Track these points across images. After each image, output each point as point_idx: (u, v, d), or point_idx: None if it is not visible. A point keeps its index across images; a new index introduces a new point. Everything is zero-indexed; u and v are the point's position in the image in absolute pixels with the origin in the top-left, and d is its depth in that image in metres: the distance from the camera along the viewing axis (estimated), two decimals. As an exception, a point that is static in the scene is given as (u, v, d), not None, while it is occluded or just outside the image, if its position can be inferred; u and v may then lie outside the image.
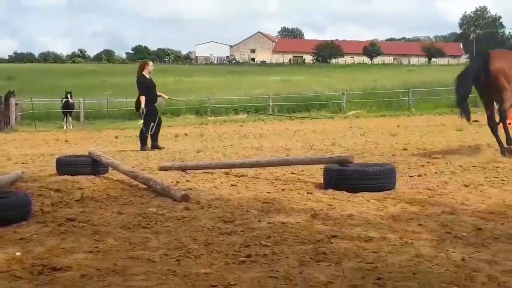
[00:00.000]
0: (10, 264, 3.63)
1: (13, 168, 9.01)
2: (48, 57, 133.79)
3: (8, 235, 4.43)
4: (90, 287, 3.17)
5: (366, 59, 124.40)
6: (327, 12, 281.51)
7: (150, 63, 13.86)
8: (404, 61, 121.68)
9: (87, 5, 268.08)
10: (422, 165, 8.50)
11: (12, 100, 26.89)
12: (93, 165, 8.17)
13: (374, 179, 6.29)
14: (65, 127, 27.77)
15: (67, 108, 28.77)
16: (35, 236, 4.41)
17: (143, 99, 12.94)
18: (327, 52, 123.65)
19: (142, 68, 13.35)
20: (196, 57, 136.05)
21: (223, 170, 8.26)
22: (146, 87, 13.00)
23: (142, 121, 12.93)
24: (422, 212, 5.16)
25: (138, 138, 13.26)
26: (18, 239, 4.31)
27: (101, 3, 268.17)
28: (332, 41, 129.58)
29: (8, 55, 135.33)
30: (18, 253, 3.90)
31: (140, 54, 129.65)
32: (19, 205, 4.94)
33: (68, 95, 28.70)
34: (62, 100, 29.69)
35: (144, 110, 12.77)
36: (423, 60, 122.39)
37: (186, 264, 3.61)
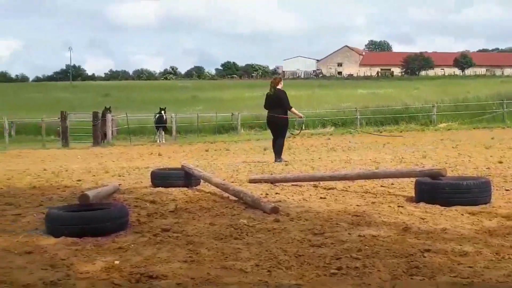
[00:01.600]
0: (109, 272, 3.77)
1: (110, 180, 9.34)
2: (141, 75, 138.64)
3: (107, 244, 4.59)
4: (186, 295, 3.24)
5: (457, 71, 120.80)
6: (415, 24, 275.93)
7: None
8: (498, 72, 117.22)
9: (177, 25, 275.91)
10: (519, 179, 8.16)
11: (109, 116, 28.03)
12: (186, 178, 8.36)
13: (468, 192, 6.09)
14: (158, 141, 28.60)
15: (161, 123, 29.65)
16: (132, 245, 4.54)
17: (295, 110, 13.69)
18: (416, 64, 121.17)
19: (277, 83, 13.69)
20: (283, 71, 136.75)
21: (312, 182, 8.25)
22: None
23: (298, 131, 13.51)
24: (520, 227, 4.94)
25: (274, 150, 13.49)
26: (117, 248, 4.45)
27: (191, 22, 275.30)
28: (421, 53, 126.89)
29: (105, 73, 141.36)
30: (116, 262, 4.02)
31: (229, 70, 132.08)
32: (118, 216, 5.11)
33: (162, 111, 29.60)
34: (155, 116, 30.64)
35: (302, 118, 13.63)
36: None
37: (278, 275, 3.63)
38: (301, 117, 14.34)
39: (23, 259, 4.16)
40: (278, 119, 13.36)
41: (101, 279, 3.62)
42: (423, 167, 9.67)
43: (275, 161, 12.97)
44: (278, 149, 13.38)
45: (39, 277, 3.67)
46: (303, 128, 13.48)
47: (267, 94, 13.66)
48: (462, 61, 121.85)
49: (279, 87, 13.52)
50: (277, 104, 13.39)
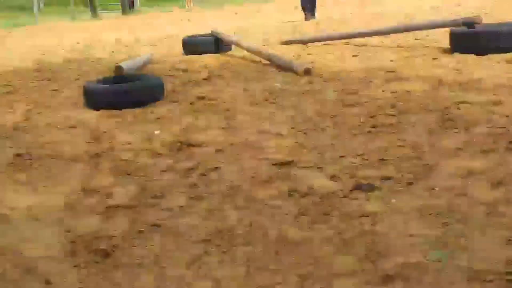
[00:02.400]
0: (151, 142, 3.89)
1: (143, 50, 9.35)
2: None
3: (146, 114, 4.69)
4: (225, 161, 3.35)
5: None
6: None
7: None
8: None
9: None
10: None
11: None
12: (217, 44, 8.30)
13: (507, 39, 5.91)
14: (186, 6, 28.11)
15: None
16: (170, 115, 4.63)
17: None
18: None
19: None
20: None
21: (344, 41, 8.12)
22: None
23: None
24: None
25: (306, 7, 13.16)
26: (156, 119, 4.55)
27: None
28: None
29: None
30: (157, 132, 4.14)
31: None
32: (153, 86, 5.18)
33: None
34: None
35: None
36: None
37: (313, 136, 3.70)
38: None
39: (67, 133, 4.31)
40: None
41: (144, 149, 3.75)
42: (458, 15, 9.38)
43: (307, 19, 12.72)
44: (311, 4, 13.01)
45: (85, 149, 3.82)
46: None
47: None
48: None
49: None
50: None
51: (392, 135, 3.57)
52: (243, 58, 7.53)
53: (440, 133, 3.51)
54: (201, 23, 15.45)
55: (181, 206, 2.72)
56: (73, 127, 4.49)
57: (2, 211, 2.80)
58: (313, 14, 12.90)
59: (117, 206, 2.79)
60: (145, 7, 28.89)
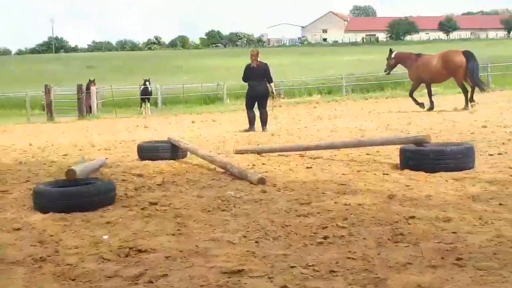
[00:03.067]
0: (98, 247, 3.81)
1: (97, 155, 9.34)
2: (125, 45, 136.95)
3: (95, 219, 4.63)
4: (174, 268, 3.29)
5: (442, 35, 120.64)
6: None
7: None
8: (482, 35, 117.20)
9: None
10: (503, 143, 8.25)
11: (93, 89, 27.84)
12: (172, 150, 8.38)
13: (452, 158, 6.16)
14: (143, 113, 28.46)
15: (146, 95, 29.48)
16: (120, 219, 4.58)
17: (272, 85, 14.35)
18: (401, 29, 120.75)
19: (258, 55, 13.94)
20: (268, 39, 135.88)
21: (298, 153, 8.30)
22: None
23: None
24: (503, 192, 5.03)
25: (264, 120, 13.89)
26: (105, 223, 4.49)
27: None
28: (406, 17, 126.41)
29: (88, 44, 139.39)
30: (105, 236, 4.07)
31: (213, 39, 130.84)
32: (105, 191, 5.14)
33: (147, 82, 29.40)
34: (140, 87, 30.43)
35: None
36: (502, 33, 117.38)
37: (265, 246, 3.68)
38: (273, 93, 14.50)
39: (12, 236, 4.18)
40: (266, 90, 13.82)
41: (90, 254, 3.66)
42: (408, 134, 9.75)
43: (248, 130, 13.52)
44: (265, 118, 13.76)
45: (29, 253, 3.71)
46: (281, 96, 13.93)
47: (249, 67, 13.81)
48: (447, 24, 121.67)
49: (258, 58, 13.81)
50: (262, 76, 13.76)
51: (343, 247, 3.58)
52: (198, 165, 7.59)
53: (390, 247, 3.54)
54: (158, 130, 15.62)
55: (126, 314, 2.63)
56: (19, 229, 4.38)
57: None
58: (264, 127, 13.58)
59: (58, 313, 2.67)
60: (103, 113, 29.11)
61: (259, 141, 10.77)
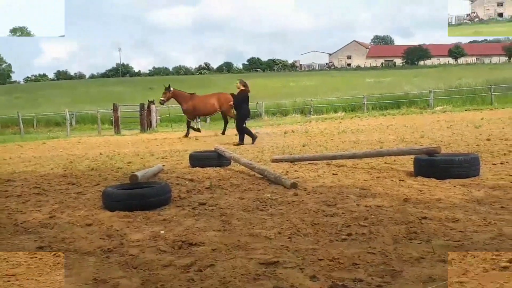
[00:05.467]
0: (156, 241, 3.85)
1: (155, 162, 9.45)
2: (180, 70, 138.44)
3: (153, 217, 4.68)
4: (219, 259, 3.30)
5: (451, 60, 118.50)
6: (414, 19, 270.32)
7: None
8: (486, 60, 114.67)
9: (209, 25, 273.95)
10: (504, 154, 8.04)
11: (153, 107, 28.21)
12: (219, 159, 8.42)
13: (460, 167, 6.04)
14: (195, 127, 28.61)
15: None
16: (175, 217, 4.63)
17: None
18: (415, 55, 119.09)
19: (239, 85, 14.36)
20: (300, 65, 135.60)
21: (325, 161, 8.25)
22: None
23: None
24: (505, 196, 4.90)
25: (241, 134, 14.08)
26: (162, 220, 4.54)
27: (220, 23, 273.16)
28: (420, 45, 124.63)
29: (149, 70, 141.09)
30: (162, 231, 4.11)
31: (254, 65, 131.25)
32: (162, 193, 5.20)
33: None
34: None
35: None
36: (504, 59, 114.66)
37: (297, 241, 3.67)
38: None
39: (84, 230, 4.26)
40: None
41: (150, 246, 3.70)
42: (421, 145, 9.59)
43: (237, 143, 13.70)
44: (242, 133, 14.07)
45: (98, 245, 3.77)
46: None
47: (248, 94, 14.19)
48: (455, 51, 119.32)
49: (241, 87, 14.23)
50: (247, 100, 14.22)
51: (364, 243, 3.54)
52: (240, 171, 7.60)
53: (405, 243, 3.49)
54: (207, 142, 15.70)
55: (179, 298, 2.64)
56: (90, 225, 4.47)
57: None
58: (241, 141, 13.67)
59: (122, 295, 2.70)
60: (161, 127, 29.47)
61: (292, 151, 10.74)
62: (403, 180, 6.12)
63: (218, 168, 8.09)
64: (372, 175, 6.68)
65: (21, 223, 4.59)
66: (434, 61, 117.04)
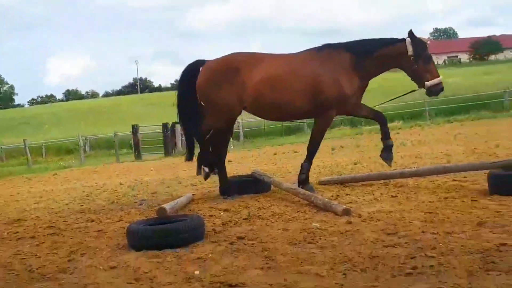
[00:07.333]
0: (190, 283, 3.93)
1: (184, 191, 9.57)
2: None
3: (186, 255, 4.76)
4: (264, 302, 3.35)
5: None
6: (486, 6, 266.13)
7: None
8: None
9: (244, 27, 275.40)
10: None
11: (178, 127, 28.63)
12: (257, 184, 8.48)
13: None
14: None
15: (228, 130, 29.90)
16: (210, 255, 4.69)
17: None
18: (484, 49, 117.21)
19: None
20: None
21: (382, 181, 8.23)
22: None
23: None
24: None
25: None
26: (196, 259, 4.61)
27: (258, 23, 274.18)
28: (489, 36, 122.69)
29: (171, 83, 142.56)
30: (197, 272, 4.18)
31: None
32: (194, 227, 5.28)
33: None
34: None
35: None
36: None
37: (353, 278, 3.69)
38: None
39: (109, 274, 4.38)
40: None
41: (184, 289, 3.78)
42: (496, 158, 9.46)
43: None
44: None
45: (126, 290, 3.87)
46: None
47: None
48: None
49: None
50: None
51: (432, 277, 3.54)
52: (282, 198, 7.64)
53: (482, 276, 3.48)
54: (241, 163, 15.80)
55: None
56: (115, 267, 4.58)
57: None
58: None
59: None
60: (187, 148, 29.79)
61: (342, 171, 10.73)
62: (476, 200, 6.06)
63: (256, 194, 8.16)
64: (439, 196, 6.64)
65: (37, 269, 4.74)
66: (507, 54, 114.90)
